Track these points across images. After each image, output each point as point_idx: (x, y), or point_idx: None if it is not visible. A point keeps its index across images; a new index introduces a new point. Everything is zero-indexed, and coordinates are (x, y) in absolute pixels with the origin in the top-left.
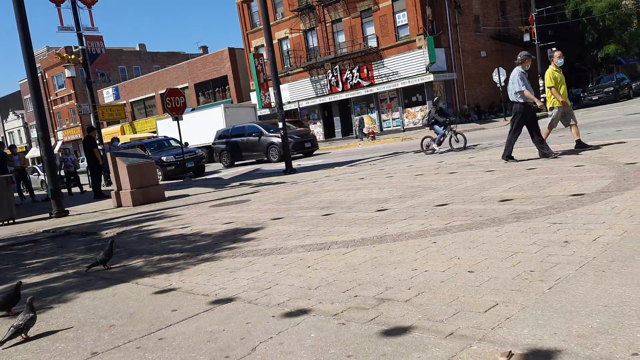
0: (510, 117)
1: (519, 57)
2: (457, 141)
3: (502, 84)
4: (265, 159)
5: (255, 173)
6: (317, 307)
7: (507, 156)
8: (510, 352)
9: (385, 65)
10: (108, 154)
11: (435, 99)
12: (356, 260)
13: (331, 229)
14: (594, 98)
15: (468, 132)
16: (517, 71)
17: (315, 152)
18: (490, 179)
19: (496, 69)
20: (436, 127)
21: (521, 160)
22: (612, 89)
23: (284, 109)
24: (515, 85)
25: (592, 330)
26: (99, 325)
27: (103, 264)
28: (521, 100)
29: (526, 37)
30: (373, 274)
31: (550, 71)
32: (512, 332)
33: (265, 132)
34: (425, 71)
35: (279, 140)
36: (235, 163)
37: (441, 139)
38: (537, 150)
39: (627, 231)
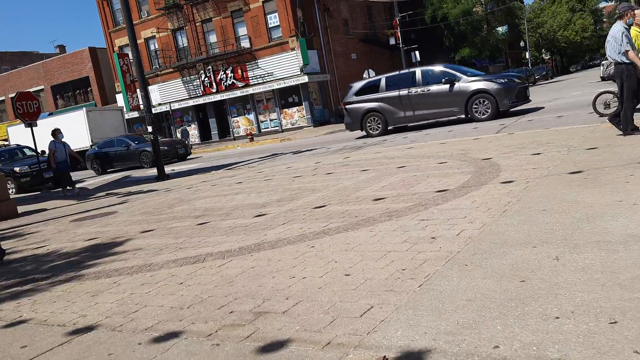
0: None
1: (618, 11)
2: None
3: None
4: (463, 116)
5: (124, 181)
6: (190, 328)
7: (632, 129)
8: (385, 356)
9: (259, 66)
10: None
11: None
12: (233, 272)
13: (207, 240)
14: None
15: (347, 132)
16: (620, 26)
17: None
18: (365, 179)
19: (366, 70)
20: None
21: None
22: None
23: (154, 112)
24: (618, 43)
25: (458, 326)
26: None
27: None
28: (627, 60)
29: (392, 41)
30: (250, 286)
31: (636, 33)
32: (386, 335)
33: (463, 76)
34: (299, 72)
35: (494, 86)
36: (390, 128)
37: None
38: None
39: (485, 224)
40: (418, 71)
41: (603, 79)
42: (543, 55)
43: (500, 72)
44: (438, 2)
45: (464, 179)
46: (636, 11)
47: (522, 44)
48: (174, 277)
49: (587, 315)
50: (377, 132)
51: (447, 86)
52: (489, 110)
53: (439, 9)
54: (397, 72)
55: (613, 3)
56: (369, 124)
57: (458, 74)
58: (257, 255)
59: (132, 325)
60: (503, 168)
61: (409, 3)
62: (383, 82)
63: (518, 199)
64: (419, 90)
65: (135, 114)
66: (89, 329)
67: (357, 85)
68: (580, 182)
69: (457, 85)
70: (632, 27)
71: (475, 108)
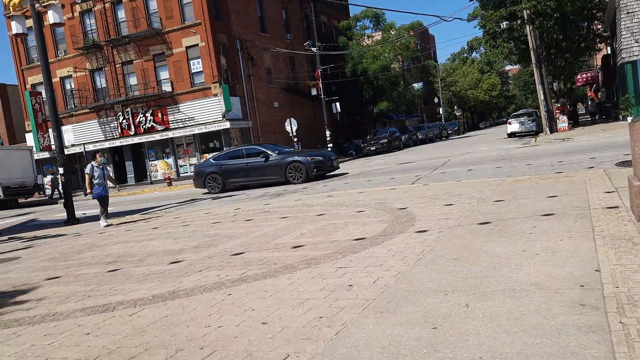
0: None
1: None
2: None
3: (294, 133)
4: None
5: (29, 224)
6: None
7: None
8: None
9: (181, 110)
10: None
11: None
12: (145, 321)
13: (118, 287)
14: (372, 148)
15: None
16: None
17: None
18: (284, 226)
19: (288, 119)
20: None
21: None
22: (386, 140)
23: (67, 152)
24: None
25: None
26: None
27: None
28: None
29: (313, 92)
30: (163, 336)
31: None
32: None
33: None
34: (221, 118)
35: None
36: None
37: None
38: None
39: (400, 272)
40: None
41: (509, 135)
42: (455, 111)
43: (417, 125)
44: (358, 57)
45: (381, 228)
46: None
47: (436, 100)
48: (81, 327)
49: None
50: None
51: None
52: None
53: (359, 63)
54: None
55: (517, 66)
56: None
57: None
58: (171, 304)
59: None
60: (418, 218)
61: (331, 56)
62: None
63: (431, 248)
64: None
65: (46, 154)
66: None
67: None
68: (489, 233)
69: None
70: None
71: None
